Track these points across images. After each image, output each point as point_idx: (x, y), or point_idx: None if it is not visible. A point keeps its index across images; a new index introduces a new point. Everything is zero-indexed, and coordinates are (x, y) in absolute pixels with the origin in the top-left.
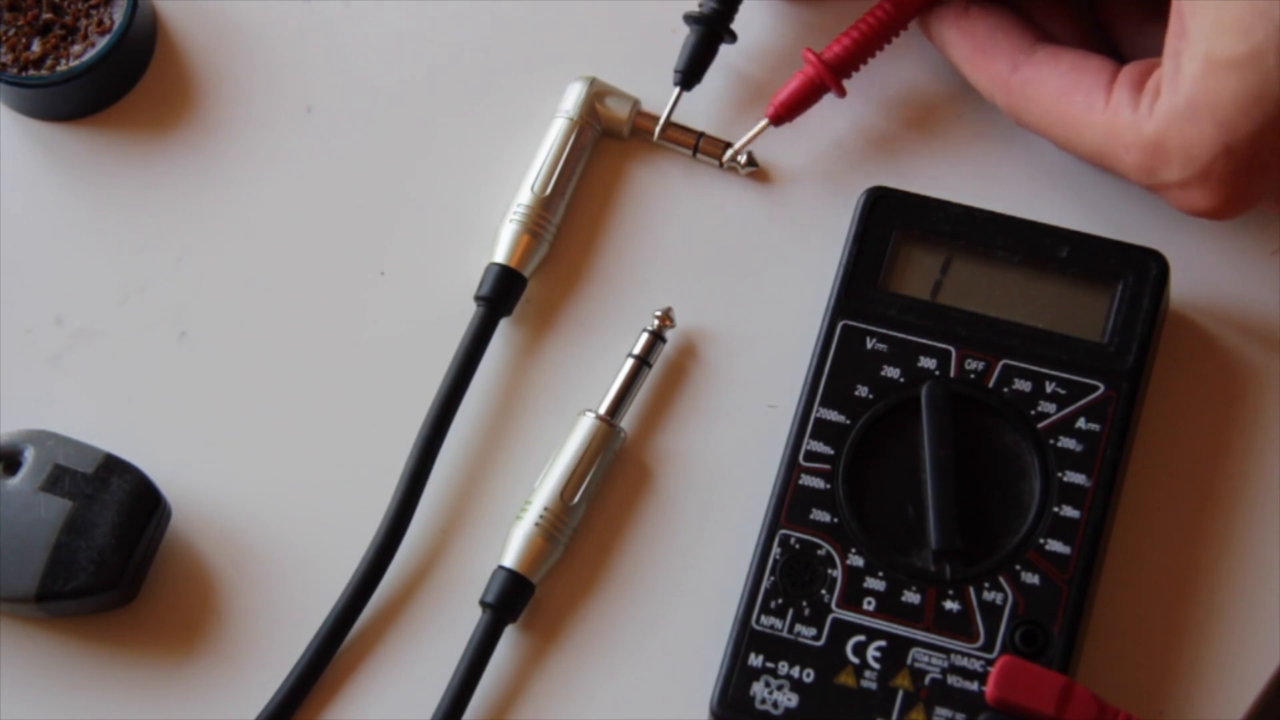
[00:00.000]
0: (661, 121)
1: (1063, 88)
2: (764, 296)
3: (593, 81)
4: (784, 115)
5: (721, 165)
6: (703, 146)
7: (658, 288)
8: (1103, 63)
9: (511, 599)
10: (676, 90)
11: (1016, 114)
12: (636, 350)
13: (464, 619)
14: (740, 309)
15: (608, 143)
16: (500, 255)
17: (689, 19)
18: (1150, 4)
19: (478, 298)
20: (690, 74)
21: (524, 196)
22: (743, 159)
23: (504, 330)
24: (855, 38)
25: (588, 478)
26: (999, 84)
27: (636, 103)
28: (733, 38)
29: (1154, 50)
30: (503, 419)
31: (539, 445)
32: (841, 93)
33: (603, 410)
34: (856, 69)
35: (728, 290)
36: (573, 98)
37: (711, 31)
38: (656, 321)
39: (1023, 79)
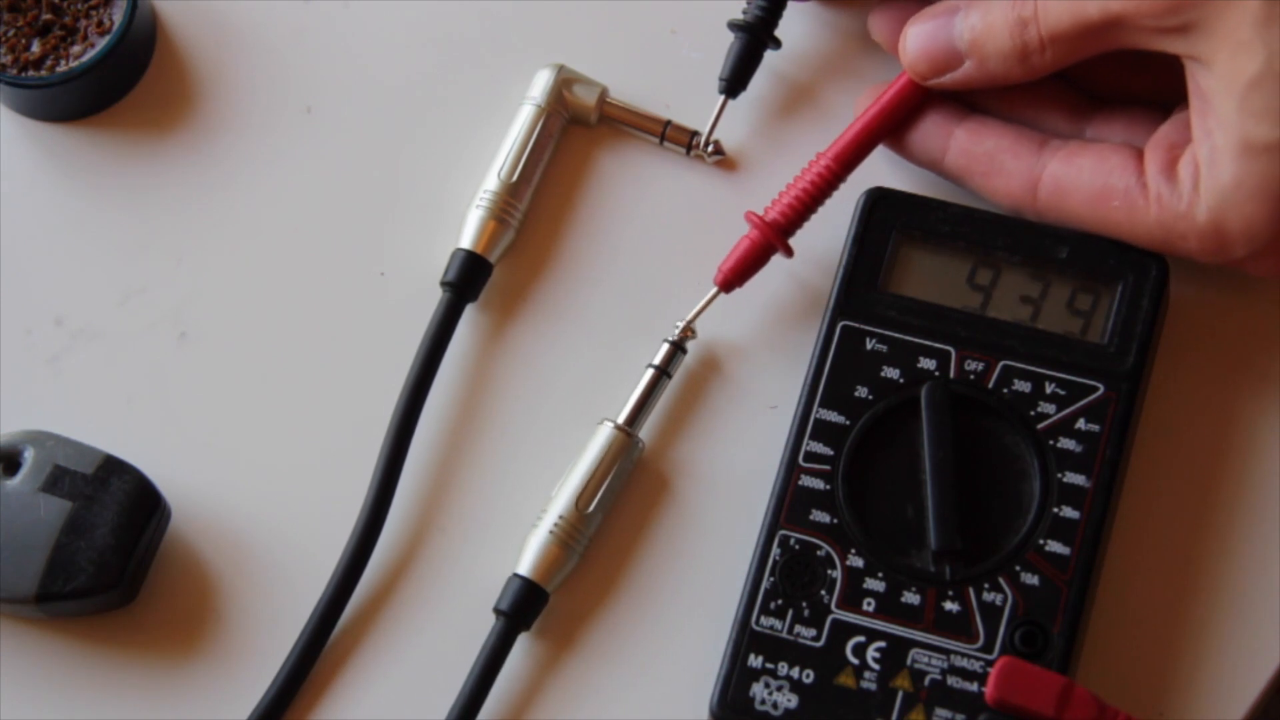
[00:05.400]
0: (706, 133)
1: (1094, 194)
2: (763, 296)
3: (560, 69)
4: (734, 282)
5: (688, 153)
6: (669, 134)
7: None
8: (1121, 156)
9: (525, 607)
10: (722, 99)
11: (1058, 224)
12: (657, 361)
13: (478, 626)
14: (739, 309)
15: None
16: (466, 241)
17: (733, 26)
18: (1127, 68)
19: (443, 283)
20: (735, 82)
21: (491, 183)
22: (710, 147)
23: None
24: (800, 197)
25: (603, 487)
26: (1023, 205)
27: (604, 90)
28: (777, 44)
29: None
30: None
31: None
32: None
33: (621, 420)
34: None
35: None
36: (540, 85)
37: (756, 39)
38: (678, 332)
39: (1048, 196)
